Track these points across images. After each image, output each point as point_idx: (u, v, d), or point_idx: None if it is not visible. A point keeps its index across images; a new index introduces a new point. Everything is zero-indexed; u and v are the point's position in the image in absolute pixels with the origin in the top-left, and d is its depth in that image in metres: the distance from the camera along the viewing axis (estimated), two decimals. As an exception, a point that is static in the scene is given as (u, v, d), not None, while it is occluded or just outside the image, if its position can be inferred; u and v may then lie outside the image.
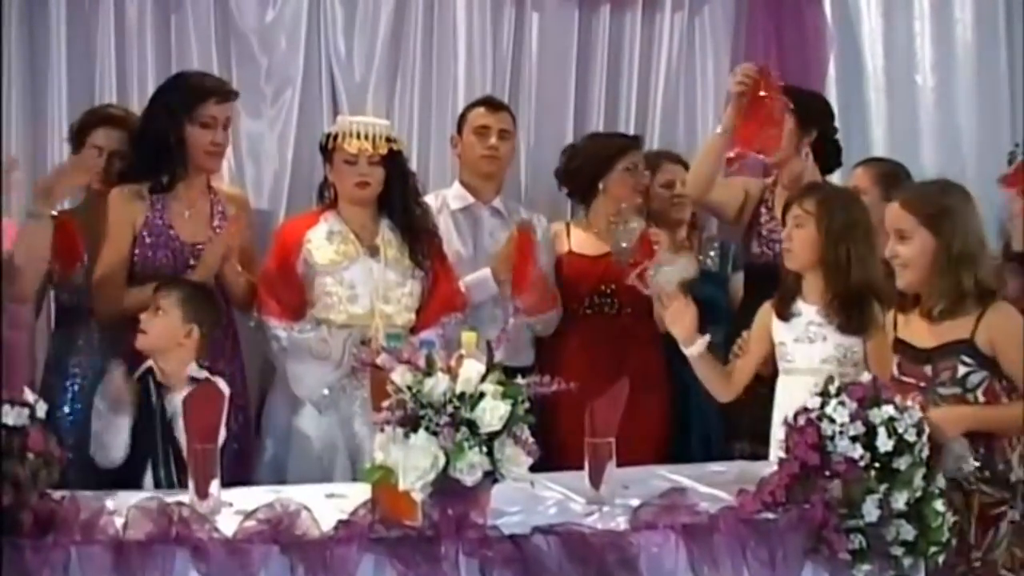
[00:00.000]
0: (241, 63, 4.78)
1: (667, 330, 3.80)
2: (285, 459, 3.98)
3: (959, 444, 3.20)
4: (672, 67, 5.20)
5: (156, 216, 3.99)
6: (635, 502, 3.02)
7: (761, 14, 5.17)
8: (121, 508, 2.80)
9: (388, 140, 4.00)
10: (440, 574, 2.78)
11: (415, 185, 4.18)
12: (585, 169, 4.59)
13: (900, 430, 2.95)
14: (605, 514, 3.03)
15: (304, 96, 4.80)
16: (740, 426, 4.19)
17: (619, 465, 3.23)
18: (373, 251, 4.02)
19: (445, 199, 4.51)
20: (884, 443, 2.94)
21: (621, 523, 2.95)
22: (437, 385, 2.81)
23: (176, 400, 3.45)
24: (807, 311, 3.64)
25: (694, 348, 3.68)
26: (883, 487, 2.95)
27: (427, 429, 2.78)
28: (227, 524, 2.80)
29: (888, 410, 2.97)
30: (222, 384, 3.53)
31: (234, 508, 2.95)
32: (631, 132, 4.97)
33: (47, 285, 4.10)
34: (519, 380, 2.91)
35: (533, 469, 2.93)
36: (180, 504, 2.79)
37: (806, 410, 3.01)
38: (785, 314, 3.68)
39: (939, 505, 3.02)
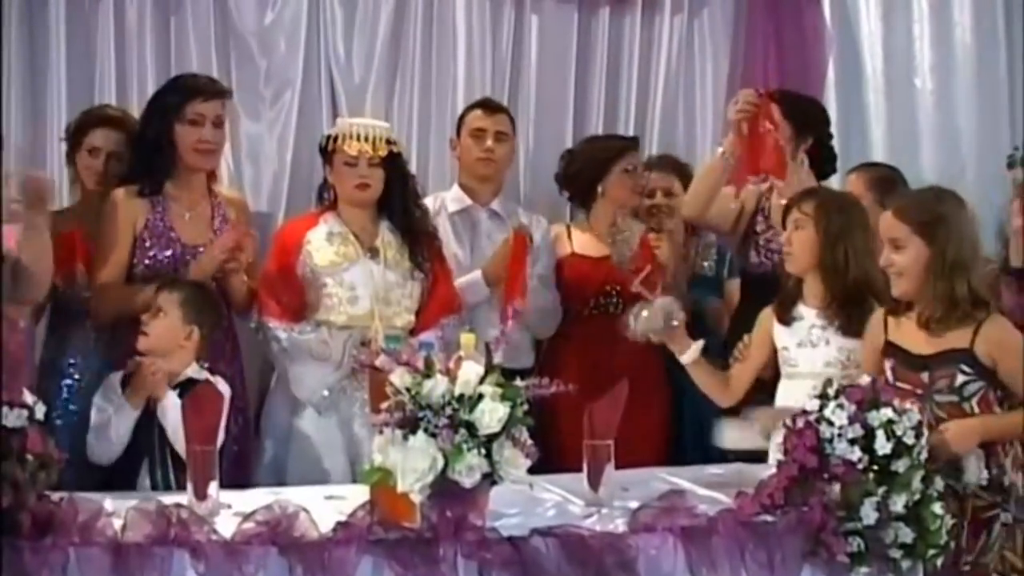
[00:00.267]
0: (240, 65, 4.78)
1: None
2: (285, 460, 3.98)
3: (976, 457, 3.25)
4: (671, 69, 5.21)
5: (157, 218, 4.00)
6: (634, 504, 3.02)
7: (760, 16, 5.18)
8: (120, 510, 2.80)
9: (388, 142, 4.01)
10: (438, 576, 2.79)
11: (415, 187, 4.19)
12: (583, 173, 4.59)
13: (898, 433, 2.96)
14: (604, 516, 3.03)
15: (303, 98, 4.81)
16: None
17: (623, 466, 3.25)
18: (373, 253, 4.02)
19: (444, 202, 4.51)
20: (882, 446, 2.94)
21: (620, 525, 2.95)
22: (436, 387, 2.81)
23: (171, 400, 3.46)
24: (808, 315, 3.65)
25: (688, 355, 3.72)
26: (881, 490, 2.95)
27: (426, 431, 2.79)
28: (226, 526, 2.80)
29: (886, 413, 2.97)
30: (222, 385, 3.53)
31: (233, 510, 2.95)
32: (630, 134, 4.98)
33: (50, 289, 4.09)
34: (518, 382, 2.91)
35: (534, 471, 2.94)
36: (179, 506, 2.79)
37: (804, 413, 3.01)
38: (786, 318, 3.68)
39: (937, 508, 3.02)
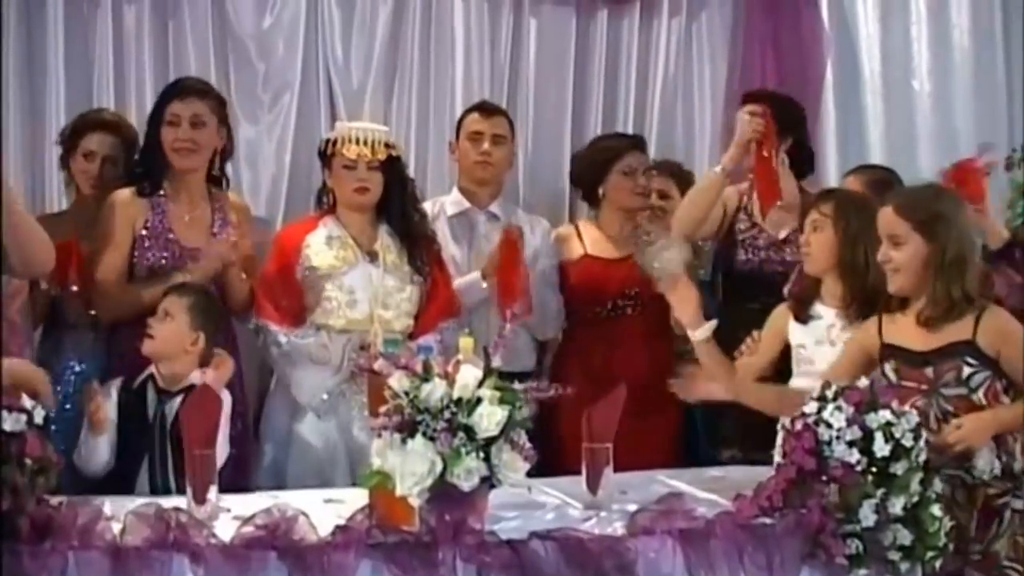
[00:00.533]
0: (238, 68, 4.79)
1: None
2: (284, 464, 3.99)
3: (989, 449, 3.27)
4: (670, 72, 5.21)
5: (156, 219, 4.01)
6: (633, 507, 3.02)
7: (758, 19, 5.18)
8: (119, 514, 2.80)
9: (387, 146, 4.02)
10: (437, 579, 2.79)
11: (414, 191, 4.19)
12: (585, 176, 4.60)
13: (897, 435, 2.96)
14: (602, 519, 3.03)
15: (302, 101, 4.81)
16: (730, 433, 4.19)
17: (635, 468, 3.24)
18: (372, 256, 4.03)
19: (443, 205, 4.51)
20: (881, 448, 2.95)
21: (618, 528, 2.96)
22: (434, 391, 2.81)
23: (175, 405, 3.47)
24: (827, 314, 3.66)
25: (699, 332, 3.61)
26: (880, 492, 2.96)
27: (424, 435, 2.79)
28: (225, 530, 2.80)
29: (885, 415, 2.98)
30: (224, 393, 3.53)
31: (232, 514, 2.95)
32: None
33: (49, 296, 4.08)
34: (516, 385, 2.91)
35: (537, 474, 2.94)
36: (178, 510, 2.79)
37: (803, 415, 3.02)
38: (803, 316, 3.69)
39: (936, 510, 3.02)
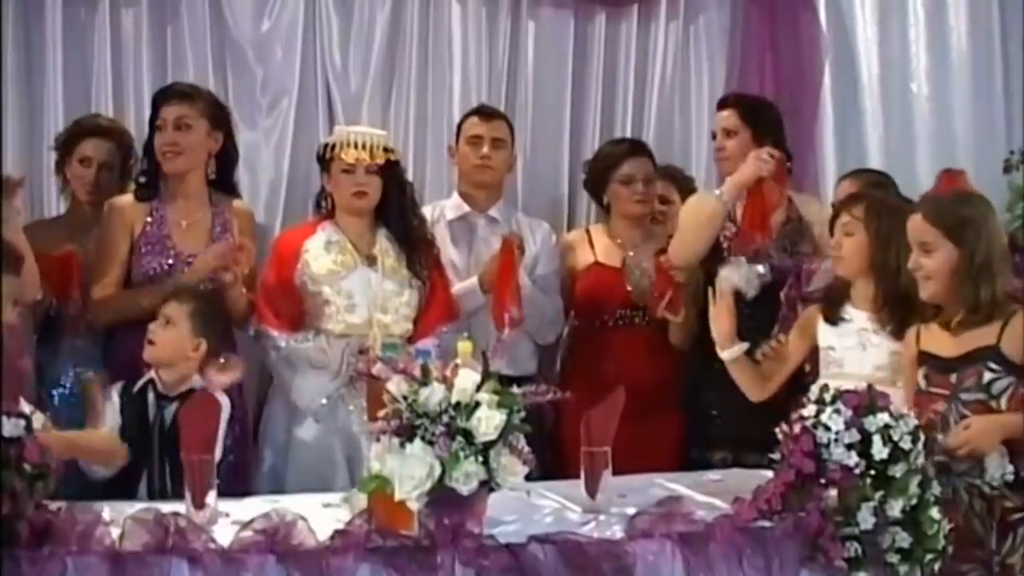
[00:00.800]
0: (236, 73, 4.79)
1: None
2: (283, 469, 3.98)
3: (999, 454, 3.25)
4: (667, 76, 5.21)
5: (154, 225, 4.02)
6: (631, 511, 3.02)
7: (756, 23, 5.18)
8: (117, 519, 2.80)
9: (385, 150, 4.02)
10: (436, 583, 2.79)
11: (412, 195, 4.19)
12: (590, 185, 4.61)
13: (895, 438, 2.95)
14: (601, 523, 3.03)
15: (300, 106, 4.82)
16: (720, 435, 4.19)
17: (638, 472, 3.23)
18: (371, 261, 4.03)
19: (443, 209, 4.51)
20: (879, 451, 2.94)
21: (617, 532, 2.95)
22: (433, 395, 2.81)
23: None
24: (858, 317, 3.66)
25: (729, 352, 3.76)
26: (879, 495, 2.95)
27: (423, 439, 2.79)
28: (224, 534, 2.79)
29: (883, 418, 2.97)
30: (222, 397, 3.52)
31: (231, 518, 2.95)
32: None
33: (49, 304, 4.08)
34: (514, 389, 2.91)
35: (544, 479, 2.94)
36: (176, 515, 2.78)
37: (801, 418, 3.02)
38: (834, 318, 3.69)
39: (935, 512, 3.02)
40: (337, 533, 2.78)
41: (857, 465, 2.94)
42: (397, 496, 2.80)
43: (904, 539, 2.98)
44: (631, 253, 4.45)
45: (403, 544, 2.79)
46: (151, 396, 3.57)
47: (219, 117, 4.13)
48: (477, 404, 2.81)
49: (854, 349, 3.64)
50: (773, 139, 4.31)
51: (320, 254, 4.01)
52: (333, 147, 4.02)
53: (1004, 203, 4.69)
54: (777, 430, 3.04)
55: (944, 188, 3.55)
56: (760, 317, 4.03)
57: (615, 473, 3.20)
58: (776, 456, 3.04)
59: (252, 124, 4.78)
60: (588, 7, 5.11)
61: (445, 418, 2.80)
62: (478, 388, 2.84)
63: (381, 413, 2.86)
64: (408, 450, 2.79)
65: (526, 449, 2.89)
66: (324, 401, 3.95)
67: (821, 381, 3.66)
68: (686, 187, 4.71)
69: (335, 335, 3.96)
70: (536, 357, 4.50)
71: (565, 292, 4.52)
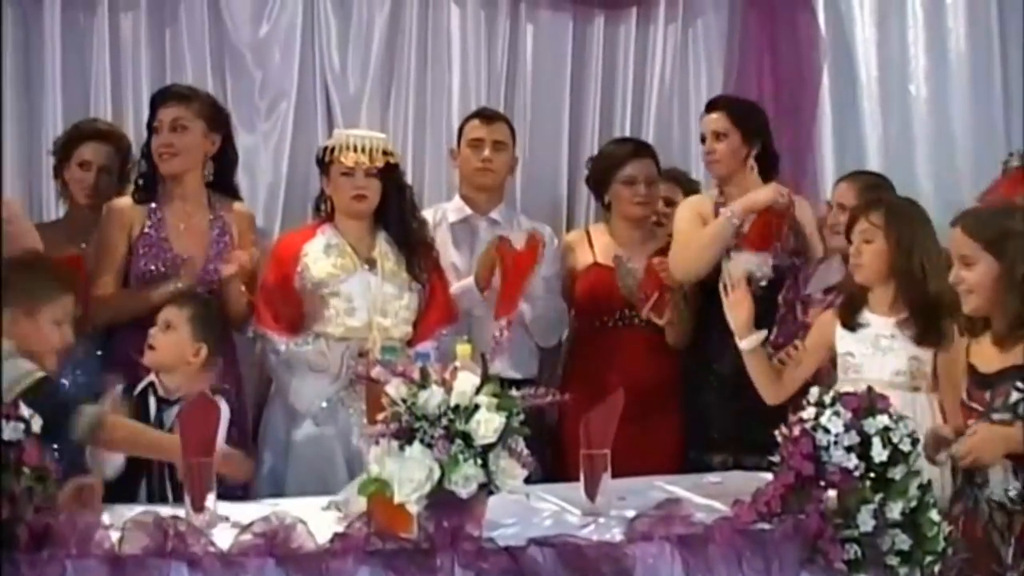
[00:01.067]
0: (235, 77, 4.79)
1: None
2: (283, 472, 3.98)
3: (1004, 468, 3.22)
4: (666, 77, 5.21)
5: (152, 227, 4.03)
6: (631, 513, 3.02)
7: (754, 24, 5.18)
8: (117, 522, 2.80)
9: (385, 153, 4.02)
10: (436, 586, 2.79)
11: (412, 198, 4.19)
12: (592, 185, 4.61)
13: (895, 440, 2.96)
14: (601, 525, 3.03)
15: (298, 109, 4.82)
16: (720, 438, 4.19)
17: (638, 474, 3.23)
18: (370, 264, 4.03)
19: (444, 212, 4.51)
20: (879, 453, 2.94)
21: (617, 534, 2.95)
22: (432, 398, 2.81)
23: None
24: (876, 322, 3.64)
25: (747, 341, 3.74)
26: (878, 497, 2.95)
27: (422, 442, 2.79)
28: (223, 538, 2.79)
29: (883, 420, 2.97)
30: (221, 403, 3.52)
31: (230, 522, 2.95)
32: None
33: None
34: (514, 392, 2.91)
35: (547, 481, 2.93)
36: (176, 518, 2.78)
37: (801, 420, 3.01)
38: (852, 324, 3.67)
39: (934, 514, 3.02)
40: (336, 536, 2.79)
41: (857, 467, 2.94)
42: (396, 499, 2.80)
43: (904, 541, 2.97)
44: (622, 252, 4.45)
45: (402, 547, 2.79)
46: (152, 400, 3.58)
47: (216, 119, 4.13)
48: (476, 407, 2.81)
49: (873, 355, 3.62)
50: (762, 141, 4.32)
51: (319, 257, 4.01)
52: (332, 150, 4.02)
53: (1003, 205, 4.68)
54: (776, 432, 3.05)
55: (1008, 189, 3.51)
56: (760, 317, 4.02)
57: (615, 475, 3.20)
58: (776, 458, 3.05)
59: (251, 127, 4.78)
60: (587, 9, 5.12)
61: (444, 421, 2.80)
62: (477, 391, 2.84)
63: (380, 416, 2.86)
64: (407, 453, 2.79)
65: (525, 452, 2.89)
66: (323, 404, 3.95)
67: (839, 387, 3.65)
68: (690, 190, 4.71)
69: (334, 338, 3.95)
70: (537, 359, 4.51)
71: (565, 293, 4.52)
